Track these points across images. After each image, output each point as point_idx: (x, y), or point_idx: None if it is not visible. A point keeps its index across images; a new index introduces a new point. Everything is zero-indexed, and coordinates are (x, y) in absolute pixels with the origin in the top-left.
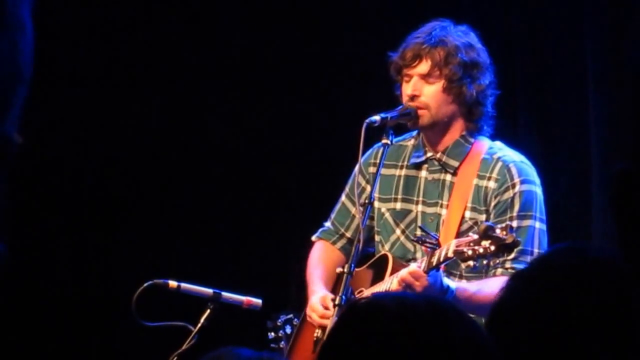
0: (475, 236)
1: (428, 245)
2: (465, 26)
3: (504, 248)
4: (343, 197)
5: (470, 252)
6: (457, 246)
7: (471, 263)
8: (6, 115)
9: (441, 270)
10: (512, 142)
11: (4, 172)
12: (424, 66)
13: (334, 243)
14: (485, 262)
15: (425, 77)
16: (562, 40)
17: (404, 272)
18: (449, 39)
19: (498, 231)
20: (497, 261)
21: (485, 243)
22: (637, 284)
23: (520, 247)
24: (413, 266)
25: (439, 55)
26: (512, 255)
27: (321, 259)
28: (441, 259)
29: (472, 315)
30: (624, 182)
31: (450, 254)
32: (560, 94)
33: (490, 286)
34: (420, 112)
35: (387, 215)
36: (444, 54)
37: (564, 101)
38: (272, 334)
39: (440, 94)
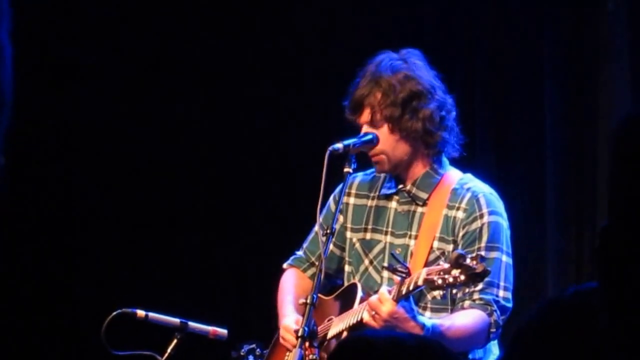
0: (446, 265)
1: (398, 273)
2: (406, 51)
3: (474, 277)
4: (316, 227)
5: (440, 281)
6: (427, 274)
7: (440, 292)
8: None
9: (413, 304)
10: (469, 162)
11: None
12: (366, 115)
13: (304, 270)
14: (454, 291)
15: (370, 124)
16: (521, 63)
17: (372, 298)
18: (383, 78)
19: (468, 260)
20: (466, 291)
21: (456, 272)
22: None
23: (487, 279)
24: (382, 290)
25: (375, 98)
26: (480, 287)
27: (292, 286)
28: (411, 288)
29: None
30: (608, 239)
31: (420, 283)
32: (517, 115)
33: (462, 320)
34: (376, 158)
35: (357, 245)
36: (380, 96)
37: (521, 121)
38: None
39: (389, 136)
